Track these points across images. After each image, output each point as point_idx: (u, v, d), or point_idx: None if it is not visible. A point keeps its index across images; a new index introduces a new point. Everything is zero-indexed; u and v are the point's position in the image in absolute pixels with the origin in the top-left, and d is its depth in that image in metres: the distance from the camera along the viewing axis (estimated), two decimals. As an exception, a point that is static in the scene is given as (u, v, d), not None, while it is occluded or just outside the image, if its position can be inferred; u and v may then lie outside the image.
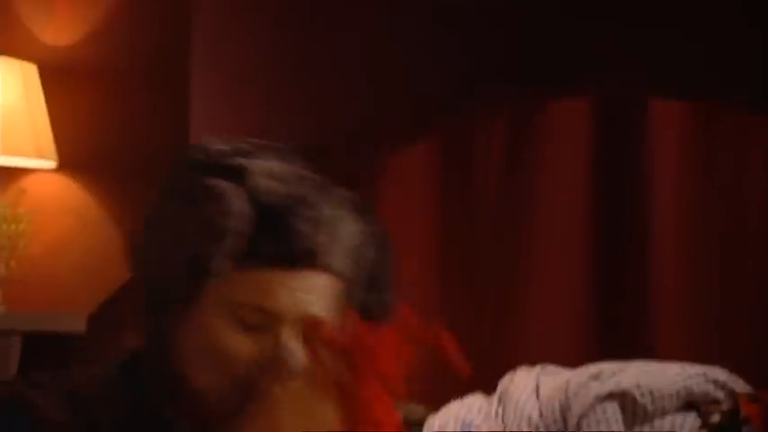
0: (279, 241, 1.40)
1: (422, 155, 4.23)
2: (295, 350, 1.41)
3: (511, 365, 2.51)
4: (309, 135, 3.25)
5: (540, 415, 2.32)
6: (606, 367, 2.31)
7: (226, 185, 1.40)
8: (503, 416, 2.38)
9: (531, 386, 2.40)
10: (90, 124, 3.35)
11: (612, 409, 2.22)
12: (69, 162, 3.32)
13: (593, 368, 2.31)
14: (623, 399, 2.24)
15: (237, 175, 1.42)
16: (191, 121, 3.23)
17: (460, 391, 2.51)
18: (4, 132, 3.09)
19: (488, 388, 2.49)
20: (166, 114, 3.31)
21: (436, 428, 2.43)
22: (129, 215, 3.21)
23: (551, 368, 2.46)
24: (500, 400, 2.43)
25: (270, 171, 1.43)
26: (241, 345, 1.41)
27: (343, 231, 1.45)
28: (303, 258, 1.41)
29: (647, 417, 2.26)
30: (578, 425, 2.22)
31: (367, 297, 1.50)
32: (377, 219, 1.51)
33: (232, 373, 1.40)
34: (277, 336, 1.42)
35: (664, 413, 2.26)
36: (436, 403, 2.50)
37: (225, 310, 1.41)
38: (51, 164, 3.28)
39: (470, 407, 2.44)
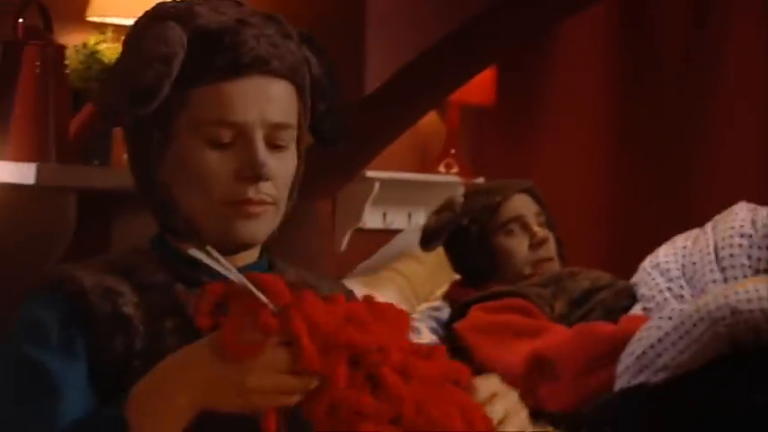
0: (225, 53, 1.49)
1: (599, 17, 4.12)
2: (266, 157, 1.50)
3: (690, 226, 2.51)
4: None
5: (752, 224, 2.31)
6: None
7: (167, 22, 1.50)
8: (712, 231, 2.37)
9: (747, 208, 2.42)
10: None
11: None
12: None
13: None
14: None
15: (184, 15, 1.52)
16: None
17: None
18: None
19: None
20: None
21: (646, 263, 2.52)
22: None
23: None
24: (714, 223, 2.43)
25: (216, 7, 1.53)
26: (218, 162, 1.51)
27: (285, 45, 1.54)
28: (251, 65, 1.50)
29: None
30: None
31: (318, 106, 1.59)
32: (323, 49, 1.61)
33: (215, 189, 1.51)
34: (248, 145, 1.51)
35: None
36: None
37: (193, 133, 1.51)
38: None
39: (679, 237, 2.46)
